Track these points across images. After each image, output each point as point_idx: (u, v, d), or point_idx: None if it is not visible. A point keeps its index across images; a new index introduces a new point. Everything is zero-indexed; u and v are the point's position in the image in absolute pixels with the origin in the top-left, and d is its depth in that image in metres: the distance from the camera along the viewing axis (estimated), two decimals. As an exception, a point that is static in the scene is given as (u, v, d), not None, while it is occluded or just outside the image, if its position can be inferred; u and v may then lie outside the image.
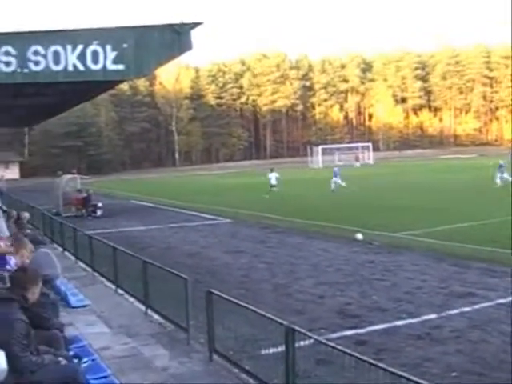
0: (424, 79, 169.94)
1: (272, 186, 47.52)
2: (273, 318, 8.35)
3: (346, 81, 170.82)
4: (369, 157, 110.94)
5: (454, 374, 9.48)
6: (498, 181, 45.05)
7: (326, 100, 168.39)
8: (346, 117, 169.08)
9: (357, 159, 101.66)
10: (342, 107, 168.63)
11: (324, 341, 7.58)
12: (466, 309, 13.12)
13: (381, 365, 6.42)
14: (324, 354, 7.53)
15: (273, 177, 48.54)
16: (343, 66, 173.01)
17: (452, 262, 18.32)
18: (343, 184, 48.66)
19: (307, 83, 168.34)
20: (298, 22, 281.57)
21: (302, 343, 7.75)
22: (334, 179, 49.70)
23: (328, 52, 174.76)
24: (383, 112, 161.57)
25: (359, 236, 23.40)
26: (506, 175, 46.18)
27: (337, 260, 19.76)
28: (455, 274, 16.80)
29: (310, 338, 7.69)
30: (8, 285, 7.26)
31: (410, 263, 18.69)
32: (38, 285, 7.25)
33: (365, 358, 6.64)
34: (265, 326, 8.57)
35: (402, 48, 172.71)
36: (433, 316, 12.68)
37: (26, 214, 22.46)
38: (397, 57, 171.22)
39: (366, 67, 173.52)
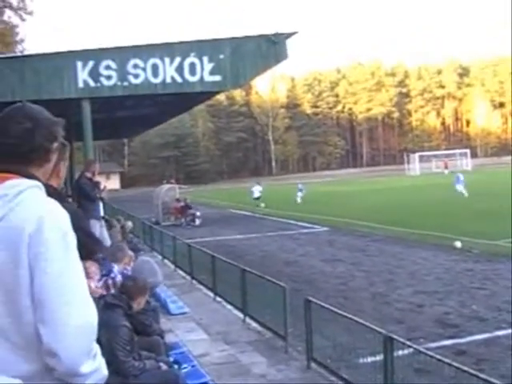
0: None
1: (256, 198, 49.96)
2: (371, 326, 8.33)
3: (442, 87, 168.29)
4: (467, 164, 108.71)
5: (556, 385, 9.23)
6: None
7: (422, 106, 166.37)
8: (442, 123, 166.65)
9: (446, 166, 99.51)
10: (438, 113, 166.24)
11: (423, 350, 7.52)
12: None
13: (481, 375, 6.33)
14: (423, 364, 7.48)
15: (256, 190, 50.92)
16: (439, 72, 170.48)
17: (555, 271, 17.76)
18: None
19: (403, 90, 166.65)
20: (394, 30, 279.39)
21: (400, 352, 7.71)
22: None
23: (424, 58, 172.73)
24: (481, 117, 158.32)
25: (458, 244, 22.98)
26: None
27: (435, 268, 19.46)
28: (558, 282, 16.31)
29: (409, 347, 7.64)
30: (112, 291, 7.47)
31: (510, 271, 18.22)
32: (144, 296, 7.46)
33: (465, 368, 6.56)
34: (363, 334, 8.56)
35: (499, 52, 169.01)
36: (535, 326, 12.35)
37: (129, 224, 23.00)
38: (494, 61, 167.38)
39: (463, 72, 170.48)
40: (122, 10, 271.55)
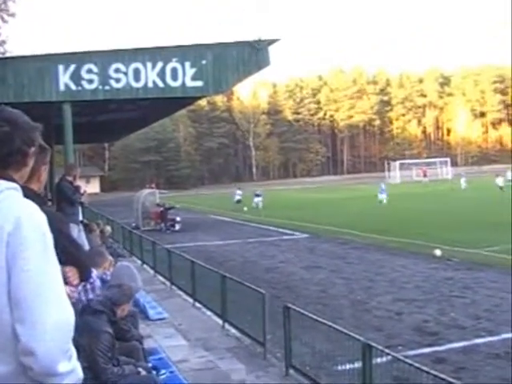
0: (503, 92, 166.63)
1: (237, 202, 55.82)
2: (350, 333, 8.34)
3: (423, 95, 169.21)
4: (447, 172, 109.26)
5: (535, 394, 9.28)
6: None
7: (403, 115, 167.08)
8: (423, 131, 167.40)
9: (424, 174, 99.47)
10: (419, 122, 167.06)
11: (401, 358, 7.53)
12: (548, 328, 12.76)
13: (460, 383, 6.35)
14: (401, 372, 7.47)
15: (237, 195, 57.02)
16: (421, 81, 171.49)
17: (534, 280, 17.84)
18: None
19: (385, 98, 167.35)
20: (376, 38, 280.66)
21: (379, 360, 7.72)
22: None
23: (406, 67, 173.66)
24: (461, 126, 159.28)
25: (438, 252, 23.08)
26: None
27: (415, 276, 19.53)
28: (537, 291, 16.37)
29: (388, 354, 7.65)
30: (90, 296, 7.42)
31: (489, 280, 18.33)
32: (129, 303, 7.41)
33: (443, 376, 6.57)
34: (342, 341, 8.56)
35: (481, 61, 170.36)
36: (513, 335, 12.41)
37: (108, 228, 22.88)
38: (475, 70, 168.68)
39: (445, 81, 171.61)
40: (120, 11, 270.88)
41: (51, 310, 2.31)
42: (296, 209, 50.84)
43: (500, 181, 63.02)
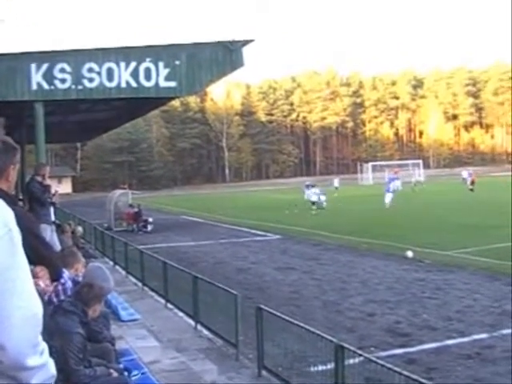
0: (475, 95, 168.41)
1: (313, 203, 48.93)
2: (322, 335, 8.34)
3: (396, 97, 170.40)
4: (419, 174, 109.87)
5: (505, 395, 9.34)
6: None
7: (376, 117, 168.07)
8: (396, 134, 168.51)
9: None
10: (392, 124, 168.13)
11: (373, 359, 7.54)
12: (519, 329, 12.86)
13: (431, 384, 6.37)
14: (373, 373, 7.48)
15: (313, 194, 50.36)
16: (394, 83, 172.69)
17: (505, 281, 17.95)
18: None
19: (358, 100, 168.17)
20: (349, 40, 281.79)
21: (351, 361, 7.73)
22: None
23: (380, 69, 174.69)
24: (434, 129, 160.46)
25: (409, 254, 23.16)
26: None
27: (387, 278, 19.59)
28: (508, 293, 16.47)
29: (360, 355, 7.66)
30: (62, 297, 7.36)
31: (461, 282, 18.43)
32: (100, 303, 7.34)
33: (415, 376, 6.59)
34: (314, 342, 8.56)
35: (453, 64, 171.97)
36: (484, 335, 12.48)
37: (80, 229, 22.75)
38: (448, 73, 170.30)
39: (417, 84, 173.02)
40: (93, 9, 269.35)
41: (19, 303, 2.28)
42: (268, 210, 50.88)
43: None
